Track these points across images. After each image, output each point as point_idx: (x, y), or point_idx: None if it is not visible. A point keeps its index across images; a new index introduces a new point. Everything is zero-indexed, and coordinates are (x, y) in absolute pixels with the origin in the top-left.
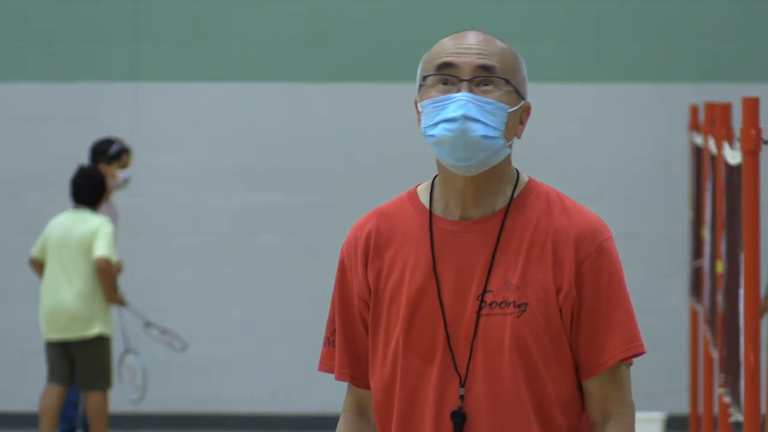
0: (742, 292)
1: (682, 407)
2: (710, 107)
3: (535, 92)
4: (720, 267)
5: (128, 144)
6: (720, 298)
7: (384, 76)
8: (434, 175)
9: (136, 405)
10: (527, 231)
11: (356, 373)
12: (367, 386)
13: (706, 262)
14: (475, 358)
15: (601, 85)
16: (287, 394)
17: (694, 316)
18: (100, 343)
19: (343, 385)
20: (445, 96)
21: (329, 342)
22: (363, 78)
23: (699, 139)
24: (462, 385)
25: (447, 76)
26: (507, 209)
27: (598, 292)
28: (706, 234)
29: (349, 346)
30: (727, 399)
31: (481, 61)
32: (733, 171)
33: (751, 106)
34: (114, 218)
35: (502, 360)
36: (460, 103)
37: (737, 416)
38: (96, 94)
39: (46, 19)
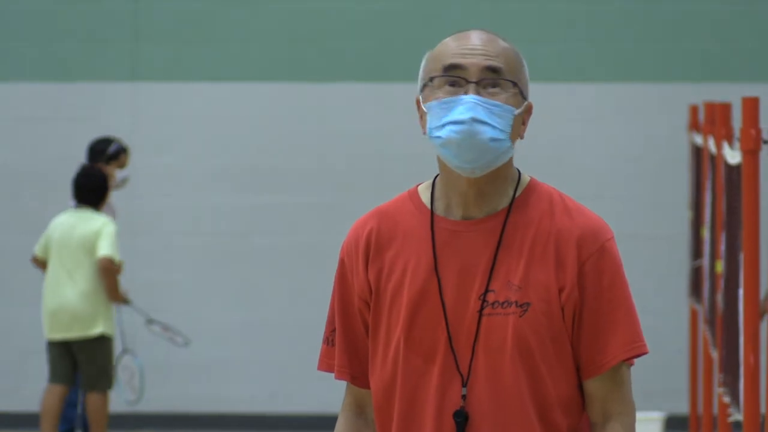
0: (741, 292)
1: (682, 407)
2: (710, 107)
3: (535, 92)
4: (719, 267)
5: (126, 143)
6: (719, 298)
7: (384, 76)
8: (435, 175)
9: (133, 406)
10: (529, 231)
11: (356, 373)
12: (366, 386)
13: (705, 261)
14: (477, 358)
15: (601, 85)
16: (287, 394)
17: (693, 316)
18: (103, 342)
19: (343, 385)
20: (453, 97)
21: (328, 341)
22: (363, 78)
23: (699, 139)
24: (464, 385)
25: (454, 77)
26: (509, 209)
27: (600, 293)
28: (706, 234)
29: (349, 345)
30: (726, 399)
31: (489, 63)
32: (732, 171)
33: (751, 105)
34: (112, 218)
35: (503, 360)
36: (468, 105)
37: (737, 416)
38: (96, 94)
39: (46, 19)
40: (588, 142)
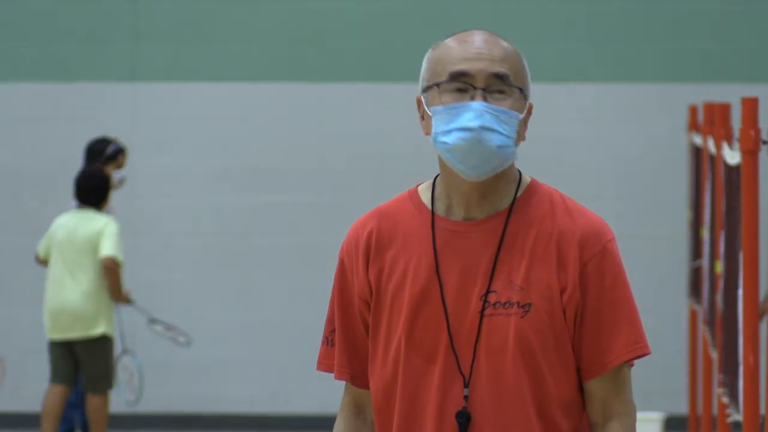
0: (740, 292)
1: (681, 407)
2: (709, 107)
3: (535, 92)
4: (719, 267)
5: (124, 143)
6: (719, 298)
7: (384, 76)
8: (435, 175)
9: (132, 406)
10: (531, 231)
11: (355, 373)
12: (366, 386)
13: (705, 262)
14: (479, 359)
15: (601, 85)
16: (287, 394)
17: (693, 316)
18: (104, 343)
19: (343, 385)
20: (460, 103)
21: (328, 341)
22: (363, 78)
23: (698, 140)
24: (466, 385)
25: (461, 84)
26: (510, 209)
27: (602, 294)
28: (705, 234)
29: (348, 345)
30: (725, 399)
31: (495, 70)
32: (732, 171)
33: (751, 106)
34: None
35: (505, 360)
36: (476, 112)
37: (736, 416)
38: (95, 94)
39: (46, 19)
40: (588, 142)
